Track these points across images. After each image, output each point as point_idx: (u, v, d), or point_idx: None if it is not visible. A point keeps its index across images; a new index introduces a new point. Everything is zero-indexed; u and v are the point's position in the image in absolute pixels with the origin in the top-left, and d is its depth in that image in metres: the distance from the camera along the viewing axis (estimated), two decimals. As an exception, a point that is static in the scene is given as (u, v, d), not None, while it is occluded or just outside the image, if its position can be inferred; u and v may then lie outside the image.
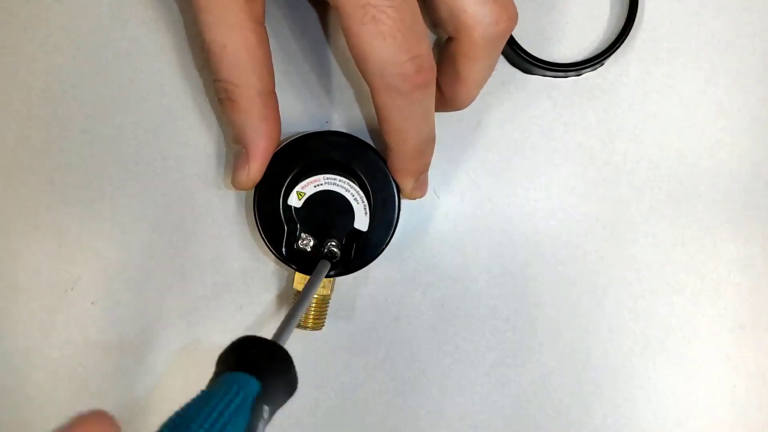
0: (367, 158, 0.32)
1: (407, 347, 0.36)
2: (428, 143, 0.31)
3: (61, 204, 0.35)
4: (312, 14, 0.35)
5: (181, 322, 0.35)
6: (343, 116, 0.35)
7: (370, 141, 0.35)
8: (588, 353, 0.36)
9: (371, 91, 0.28)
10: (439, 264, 0.36)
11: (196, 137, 0.35)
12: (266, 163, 0.32)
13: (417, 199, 0.34)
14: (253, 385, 0.23)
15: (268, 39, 0.30)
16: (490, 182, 0.36)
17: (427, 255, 0.36)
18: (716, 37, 0.36)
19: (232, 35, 0.29)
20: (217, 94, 0.31)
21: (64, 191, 0.35)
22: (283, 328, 0.27)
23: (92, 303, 0.35)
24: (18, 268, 0.35)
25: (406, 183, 0.32)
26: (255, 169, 0.31)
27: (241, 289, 0.36)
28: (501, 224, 0.36)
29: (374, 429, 0.36)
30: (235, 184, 0.32)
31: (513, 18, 0.29)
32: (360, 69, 0.28)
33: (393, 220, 0.33)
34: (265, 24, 0.30)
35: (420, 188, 0.33)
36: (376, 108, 0.29)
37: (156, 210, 0.35)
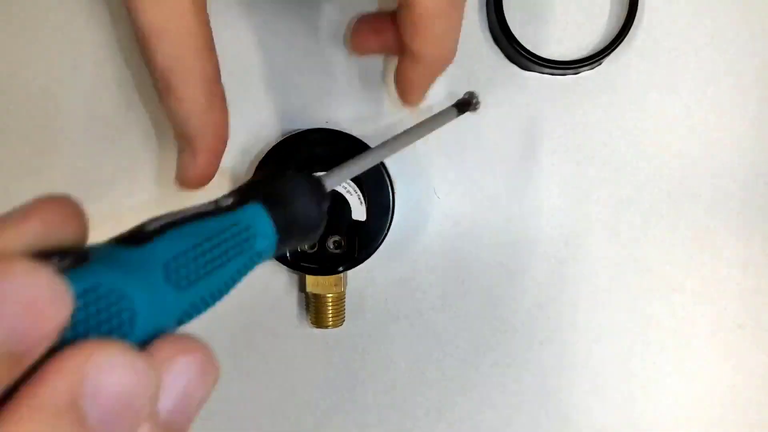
0: (351, 148, 0.32)
1: (407, 347, 0.36)
2: (454, 54, 0.30)
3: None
4: (307, 13, 0.35)
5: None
6: (336, 115, 0.35)
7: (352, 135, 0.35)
8: (588, 353, 0.36)
9: (414, 20, 0.27)
10: (440, 264, 0.36)
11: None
12: (216, 158, 0.29)
13: (414, 201, 0.33)
14: (269, 239, 0.20)
15: (209, 24, 0.27)
16: (490, 182, 0.36)
17: (427, 255, 0.36)
18: (716, 37, 0.36)
19: (170, 18, 0.26)
20: (155, 83, 0.28)
21: (64, 191, 0.35)
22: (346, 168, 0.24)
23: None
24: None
25: (419, 96, 0.31)
26: (202, 164, 0.28)
27: (243, 289, 0.36)
28: (501, 224, 0.36)
29: (374, 429, 0.36)
30: (181, 182, 0.29)
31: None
32: (407, 6, 0.26)
33: (389, 203, 0.33)
34: (209, 12, 0.28)
35: (419, 99, 0.32)
36: (419, 17, 0.27)
37: (157, 210, 0.35)
